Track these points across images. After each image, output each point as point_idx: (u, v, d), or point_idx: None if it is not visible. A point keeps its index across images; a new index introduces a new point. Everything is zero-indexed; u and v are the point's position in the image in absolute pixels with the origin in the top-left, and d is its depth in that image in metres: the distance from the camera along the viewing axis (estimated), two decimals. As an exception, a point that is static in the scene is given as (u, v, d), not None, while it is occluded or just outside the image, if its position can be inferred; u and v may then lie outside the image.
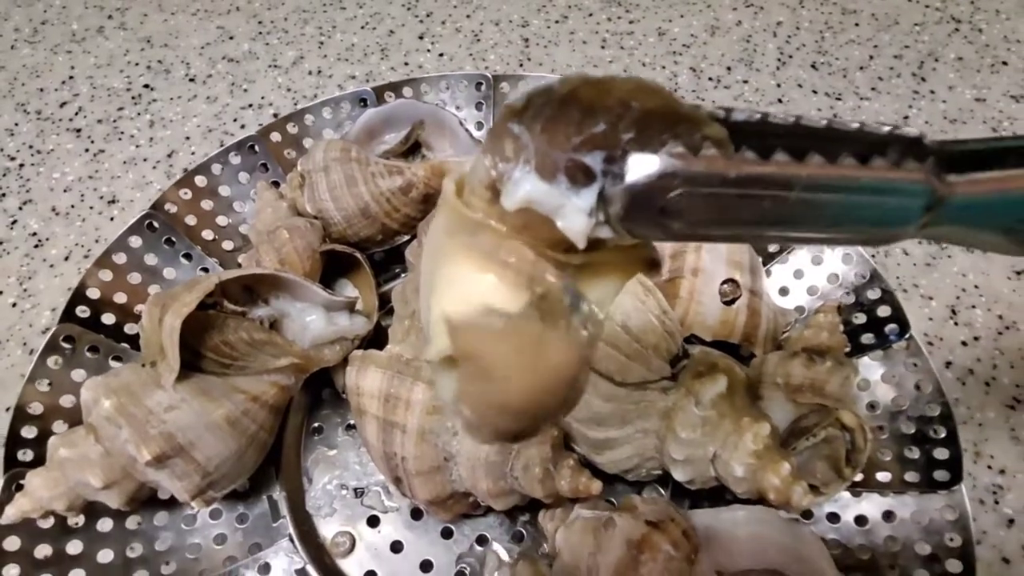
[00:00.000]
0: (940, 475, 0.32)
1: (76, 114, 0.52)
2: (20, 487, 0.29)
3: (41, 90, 0.54)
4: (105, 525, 0.31)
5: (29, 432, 0.32)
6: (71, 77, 0.55)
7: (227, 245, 0.39)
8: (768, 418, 0.29)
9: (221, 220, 0.40)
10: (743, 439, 0.28)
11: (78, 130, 0.51)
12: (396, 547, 0.33)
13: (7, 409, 0.39)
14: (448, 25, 0.59)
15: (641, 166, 0.15)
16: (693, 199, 0.15)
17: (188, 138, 0.51)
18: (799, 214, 0.15)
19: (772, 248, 0.39)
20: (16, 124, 0.52)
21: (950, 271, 0.45)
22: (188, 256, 0.38)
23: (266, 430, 0.31)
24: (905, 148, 0.15)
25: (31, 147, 0.51)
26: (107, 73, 0.55)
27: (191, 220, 0.39)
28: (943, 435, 0.33)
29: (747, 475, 0.28)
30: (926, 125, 0.53)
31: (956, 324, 0.43)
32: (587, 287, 0.16)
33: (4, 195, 0.48)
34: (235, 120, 0.52)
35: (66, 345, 0.33)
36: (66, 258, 0.45)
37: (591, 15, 0.60)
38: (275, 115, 0.52)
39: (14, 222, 0.47)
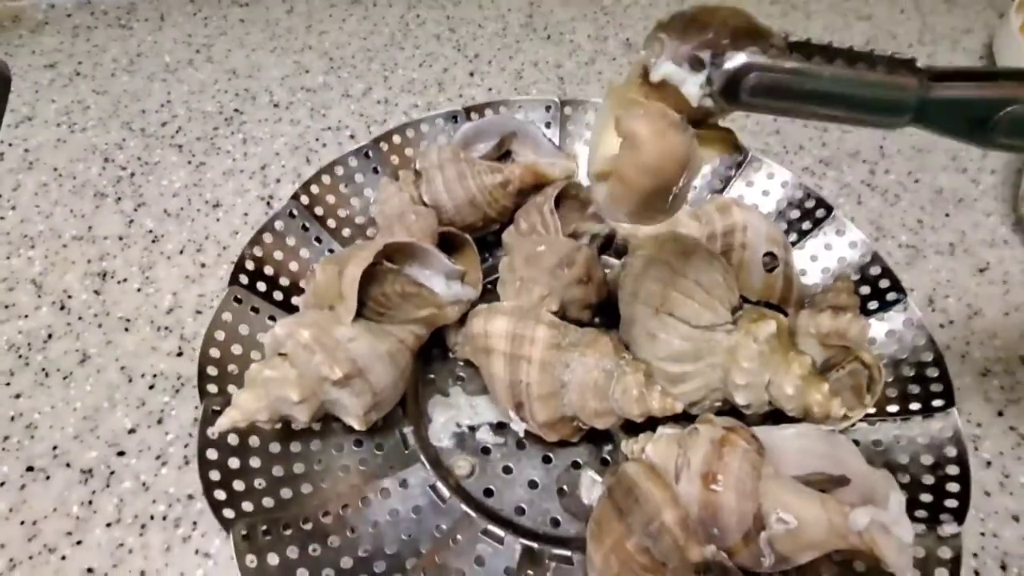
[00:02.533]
0: (937, 403, 0.41)
1: (177, 132, 0.60)
2: (216, 412, 0.36)
3: (143, 111, 0.61)
4: (275, 448, 0.38)
5: (212, 371, 0.38)
6: (169, 101, 0.62)
7: (345, 232, 0.47)
8: (808, 355, 0.38)
9: (341, 212, 0.47)
10: (791, 367, 0.37)
11: (180, 146, 0.59)
12: (507, 470, 0.40)
13: (142, 375, 0.46)
14: (494, 64, 0.68)
15: (733, 59, 0.26)
16: (762, 81, 0.26)
17: (278, 154, 0.59)
18: (827, 95, 0.26)
19: (792, 238, 0.48)
20: (124, 139, 0.59)
21: (927, 269, 0.55)
22: (319, 239, 0.45)
23: (408, 368, 0.38)
24: (902, 63, 0.26)
25: (139, 159, 0.58)
26: (200, 99, 0.63)
27: (319, 211, 0.46)
28: (937, 374, 0.42)
29: (796, 394, 0.36)
30: (898, 153, 0.64)
31: (934, 311, 0.53)
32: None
33: (120, 199, 0.55)
34: (317, 139, 0.60)
35: (236, 304, 0.40)
36: (181, 251, 0.52)
37: (614, 59, 0.70)
38: (351, 136, 0.60)
39: (131, 222, 0.54)
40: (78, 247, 0.52)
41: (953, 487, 0.38)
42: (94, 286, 0.50)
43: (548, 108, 0.52)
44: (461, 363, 0.44)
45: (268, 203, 0.55)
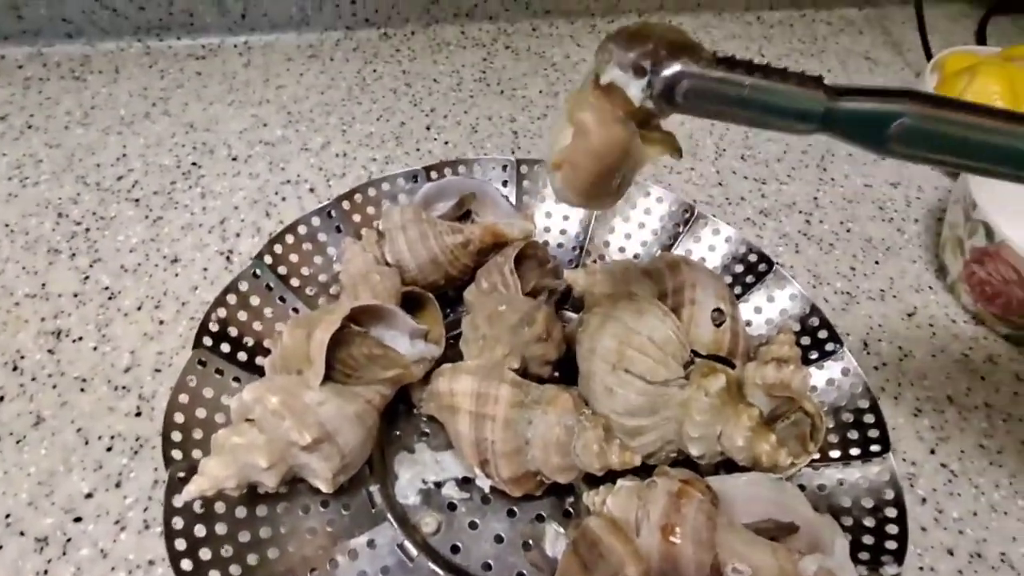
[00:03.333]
0: (874, 448, 0.43)
1: (133, 186, 0.60)
2: (182, 479, 0.36)
3: (98, 165, 0.61)
4: (241, 512, 0.38)
5: (176, 436, 0.38)
6: (124, 155, 0.62)
7: (309, 291, 0.48)
8: (756, 406, 0.40)
9: (304, 271, 0.48)
10: (741, 419, 0.39)
11: (136, 200, 0.59)
12: (472, 525, 0.41)
13: (99, 437, 0.45)
14: (450, 119, 0.70)
15: (669, 68, 0.29)
16: (693, 87, 0.29)
17: (236, 208, 0.59)
18: (747, 101, 0.30)
19: (737, 291, 0.51)
20: (79, 194, 0.58)
21: (860, 314, 0.59)
22: (283, 299, 0.46)
23: (375, 428, 0.39)
24: (811, 78, 0.30)
25: (95, 214, 0.57)
26: (157, 152, 0.63)
27: (283, 270, 0.47)
28: (873, 420, 0.45)
29: (745, 444, 0.38)
30: (831, 204, 0.68)
31: (868, 354, 0.56)
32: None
33: (74, 255, 0.54)
34: (276, 193, 0.61)
35: (200, 367, 0.41)
36: (138, 308, 0.52)
37: (565, 114, 0.73)
38: (311, 189, 0.61)
39: (86, 278, 0.53)
40: (31, 305, 0.51)
41: (892, 529, 0.41)
42: (48, 345, 0.49)
43: (505, 167, 0.54)
44: (425, 419, 0.45)
45: (228, 258, 0.55)
